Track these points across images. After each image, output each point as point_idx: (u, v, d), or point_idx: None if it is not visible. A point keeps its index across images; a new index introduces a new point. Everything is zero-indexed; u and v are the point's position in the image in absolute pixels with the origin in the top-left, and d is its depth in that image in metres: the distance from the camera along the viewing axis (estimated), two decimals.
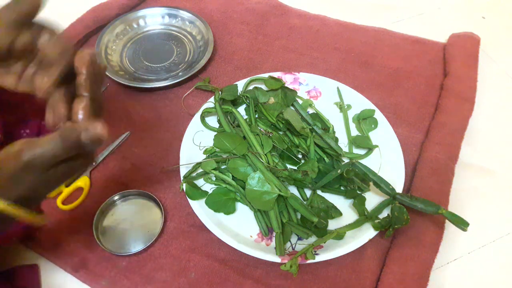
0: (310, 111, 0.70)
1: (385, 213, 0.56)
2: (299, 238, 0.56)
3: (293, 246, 0.55)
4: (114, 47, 0.81)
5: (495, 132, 0.69)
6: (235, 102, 0.70)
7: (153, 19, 0.86)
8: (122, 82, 0.73)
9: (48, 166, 0.37)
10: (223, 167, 0.62)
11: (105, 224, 0.59)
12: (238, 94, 0.69)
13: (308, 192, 0.60)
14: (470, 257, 0.57)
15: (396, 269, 0.53)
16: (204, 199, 0.59)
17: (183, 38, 0.84)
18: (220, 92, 0.68)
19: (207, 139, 0.64)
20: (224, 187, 0.60)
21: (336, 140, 0.65)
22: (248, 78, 0.71)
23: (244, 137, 0.62)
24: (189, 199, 0.58)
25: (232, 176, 0.60)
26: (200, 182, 0.61)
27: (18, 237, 0.56)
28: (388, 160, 0.63)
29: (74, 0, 0.91)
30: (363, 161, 0.60)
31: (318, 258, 0.52)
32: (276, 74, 0.72)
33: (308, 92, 0.72)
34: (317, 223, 0.53)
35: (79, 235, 0.58)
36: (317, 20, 0.87)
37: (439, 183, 0.60)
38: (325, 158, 0.63)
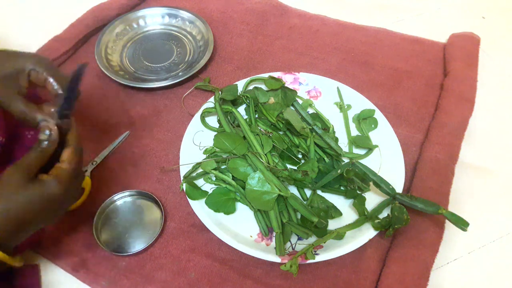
0: (310, 111, 0.70)
1: (385, 213, 0.56)
2: (299, 238, 0.56)
3: (293, 246, 0.55)
4: (114, 47, 0.81)
5: (495, 132, 0.69)
6: (235, 102, 0.70)
7: (153, 19, 0.86)
8: (122, 82, 0.73)
9: None
10: (223, 167, 0.62)
11: (105, 224, 0.59)
12: (238, 94, 0.69)
13: (308, 192, 0.60)
14: (470, 257, 0.57)
15: (396, 269, 0.53)
16: (204, 199, 0.59)
17: (183, 38, 0.84)
18: (220, 92, 0.68)
19: (207, 139, 0.64)
20: (224, 187, 0.60)
21: (336, 140, 0.65)
22: (248, 78, 0.71)
23: (244, 137, 0.62)
24: (189, 199, 0.58)
25: (232, 176, 0.60)
26: (200, 182, 0.61)
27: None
28: (388, 160, 0.63)
29: (74, 0, 0.91)
30: (363, 161, 0.60)
31: (318, 258, 0.52)
32: (276, 74, 0.72)
33: (308, 92, 0.72)
34: (317, 223, 0.53)
35: (79, 235, 0.58)
36: (317, 20, 0.87)
37: (439, 183, 0.60)
38: (325, 158, 0.63)
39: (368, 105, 0.68)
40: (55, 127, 0.45)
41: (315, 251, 0.53)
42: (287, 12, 0.89)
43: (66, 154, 0.46)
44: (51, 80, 0.46)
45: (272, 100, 0.68)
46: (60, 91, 0.47)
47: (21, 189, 0.41)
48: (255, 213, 0.58)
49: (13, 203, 0.41)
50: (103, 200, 0.60)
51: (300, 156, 0.64)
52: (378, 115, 0.67)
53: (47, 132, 0.45)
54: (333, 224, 0.57)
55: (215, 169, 0.60)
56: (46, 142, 0.44)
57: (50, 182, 0.43)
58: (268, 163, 0.59)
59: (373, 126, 0.67)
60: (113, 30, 0.82)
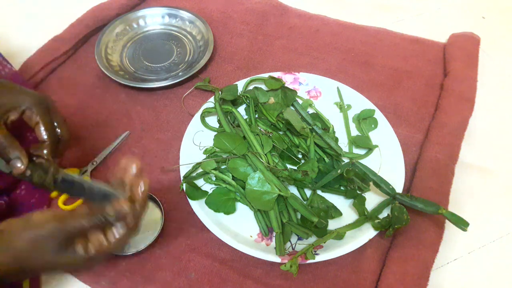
0: (310, 111, 0.70)
1: (385, 213, 0.56)
2: (299, 238, 0.56)
3: (293, 246, 0.55)
4: (114, 47, 0.81)
5: (495, 132, 0.69)
6: (235, 102, 0.70)
7: (153, 19, 0.86)
8: (122, 82, 0.73)
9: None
10: (223, 167, 0.62)
11: None
12: (238, 94, 0.69)
13: (308, 192, 0.60)
14: (470, 257, 0.57)
15: (396, 269, 0.53)
16: (204, 199, 0.59)
17: (183, 38, 0.84)
18: (220, 92, 0.68)
19: (207, 139, 0.64)
20: (224, 187, 0.60)
21: (336, 140, 0.65)
22: (248, 78, 0.71)
23: (244, 137, 0.62)
24: (189, 199, 0.58)
25: (232, 176, 0.60)
26: (200, 182, 0.61)
27: None
28: (388, 160, 0.63)
29: (74, 0, 0.91)
30: (363, 161, 0.60)
31: (318, 258, 0.52)
32: (276, 74, 0.72)
33: (308, 92, 0.72)
34: (317, 223, 0.53)
35: None
36: (317, 20, 0.87)
37: (439, 183, 0.60)
38: (325, 158, 0.63)
39: (368, 105, 0.68)
40: (129, 207, 0.38)
41: (315, 251, 0.53)
42: (287, 12, 0.89)
43: (119, 230, 0.39)
44: (41, 125, 0.45)
45: (272, 100, 0.68)
46: (45, 137, 0.45)
47: (53, 253, 0.36)
48: (255, 213, 0.58)
49: (34, 255, 0.36)
50: None
51: (300, 156, 0.64)
52: (378, 115, 0.67)
53: (122, 209, 0.38)
54: (333, 224, 0.57)
55: (215, 169, 0.60)
56: (113, 219, 0.38)
57: (82, 257, 0.38)
58: (268, 163, 0.59)
59: (373, 126, 0.67)
60: (113, 30, 0.82)
